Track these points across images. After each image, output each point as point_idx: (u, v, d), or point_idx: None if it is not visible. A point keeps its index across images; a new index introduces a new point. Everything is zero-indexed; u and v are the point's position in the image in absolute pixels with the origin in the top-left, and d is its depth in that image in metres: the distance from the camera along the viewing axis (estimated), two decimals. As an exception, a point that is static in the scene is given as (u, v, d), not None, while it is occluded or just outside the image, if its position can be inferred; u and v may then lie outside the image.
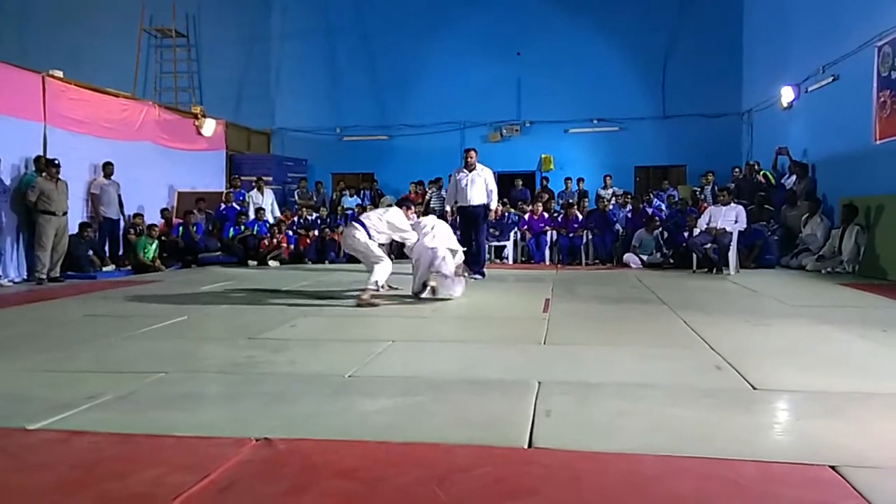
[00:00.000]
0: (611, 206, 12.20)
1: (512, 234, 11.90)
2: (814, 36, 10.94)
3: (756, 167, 12.11)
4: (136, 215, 11.19)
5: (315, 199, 14.75)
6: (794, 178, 11.07)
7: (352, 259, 11.87)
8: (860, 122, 9.17)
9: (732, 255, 9.06)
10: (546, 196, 13.54)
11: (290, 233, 12.40)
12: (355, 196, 14.76)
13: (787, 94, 11.82)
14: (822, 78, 10.56)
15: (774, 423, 2.90)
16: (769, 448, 2.47)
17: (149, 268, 10.23)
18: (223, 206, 12.85)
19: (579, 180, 14.38)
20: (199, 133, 13.77)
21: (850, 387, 3.27)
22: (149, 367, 3.81)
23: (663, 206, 12.55)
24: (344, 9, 16.44)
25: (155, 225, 11.00)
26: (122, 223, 11.03)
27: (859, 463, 2.26)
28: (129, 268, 10.32)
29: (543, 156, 15.74)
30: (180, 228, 11.54)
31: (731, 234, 9.11)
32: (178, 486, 2.13)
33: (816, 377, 3.45)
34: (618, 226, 11.61)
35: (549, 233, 11.79)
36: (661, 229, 10.91)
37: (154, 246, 10.60)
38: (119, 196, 10.77)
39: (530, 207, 12.35)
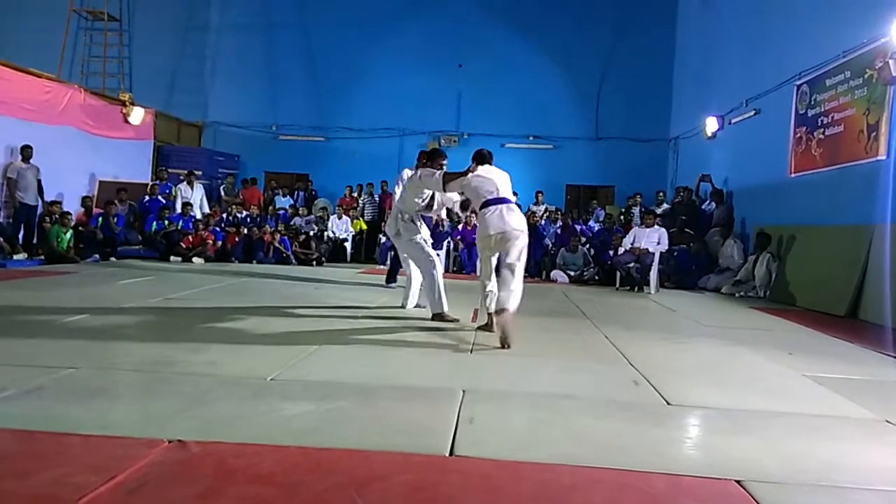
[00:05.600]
0: (542, 222, 12.43)
1: (445, 243, 11.94)
2: (739, 71, 11.51)
3: (690, 191, 12.53)
4: (53, 203, 10.65)
5: (242, 196, 14.40)
6: (713, 204, 11.57)
7: (281, 261, 11.68)
8: (777, 155, 9.68)
9: (654, 275, 9.38)
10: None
11: (218, 229, 12.06)
12: (288, 196, 14.52)
13: (711, 124, 12.37)
14: (745, 111, 11.11)
15: (686, 437, 3.00)
16: (680, 461, 2.56)
17: (62, 258, 9.74)
18: (147, 198, 12.39)
19: (514, 194, 14.59)
20: (126, 121, 13.25)
21: (757, 405, 3.42)
22: (58, 361, 3.61)
23: (593, 224, 12.92)
24: (286, 5, 16.21)
25: (69, 213, 10.50)
26: (40, 209, 10.48)
27: (763, 478, 2.37)
28: (42, 257, 9.81)
29: (480, 168, 15.89)
30: (100, 219, 11.04)
31: (654, 254, 9.45)
32: (82, 487, 2.03)
33: (727, 395, 3.60)
34: (547, 241, 11.84)
35: (480, 244, 11.88)
36: (587, 246, 11.21)
37: (68, 235, 10.10)
38: (39, 181, 10.25)
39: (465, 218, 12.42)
